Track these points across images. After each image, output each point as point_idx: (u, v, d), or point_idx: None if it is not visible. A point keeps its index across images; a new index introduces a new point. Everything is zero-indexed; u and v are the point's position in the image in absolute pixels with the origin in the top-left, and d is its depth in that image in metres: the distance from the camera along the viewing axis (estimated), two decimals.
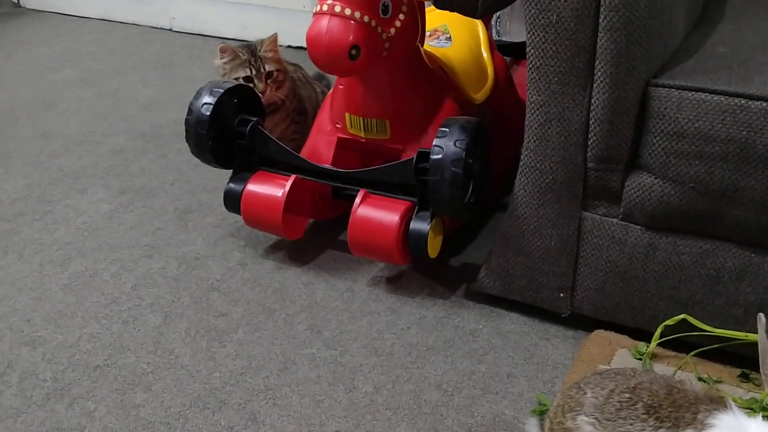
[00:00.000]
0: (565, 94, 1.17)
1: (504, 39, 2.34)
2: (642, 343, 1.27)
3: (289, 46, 2.61)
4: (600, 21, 1.09)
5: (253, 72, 1.69)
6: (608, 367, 1.19)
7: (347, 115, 1.52)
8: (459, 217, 1.55)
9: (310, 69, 1.82)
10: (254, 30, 2.52)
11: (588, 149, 1.19)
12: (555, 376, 1.28)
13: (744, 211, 1.12)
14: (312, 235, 1.66)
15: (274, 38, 1.73)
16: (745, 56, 1.18)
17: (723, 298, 1.20)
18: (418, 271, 1.55)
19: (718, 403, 0.88)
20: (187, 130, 1.53)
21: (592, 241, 1.26)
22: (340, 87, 1.52)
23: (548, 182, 1.25)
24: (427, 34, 1.65)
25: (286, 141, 1.69)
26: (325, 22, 1.31)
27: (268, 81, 1.71)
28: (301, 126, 1.81)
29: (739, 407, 0.88)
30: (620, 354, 1.26)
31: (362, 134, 1.53)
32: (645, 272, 1.24)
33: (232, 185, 1.56)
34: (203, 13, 2.85)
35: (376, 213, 1.42)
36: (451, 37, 1.69)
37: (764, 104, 1.05)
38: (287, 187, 1.50)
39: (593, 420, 0.93)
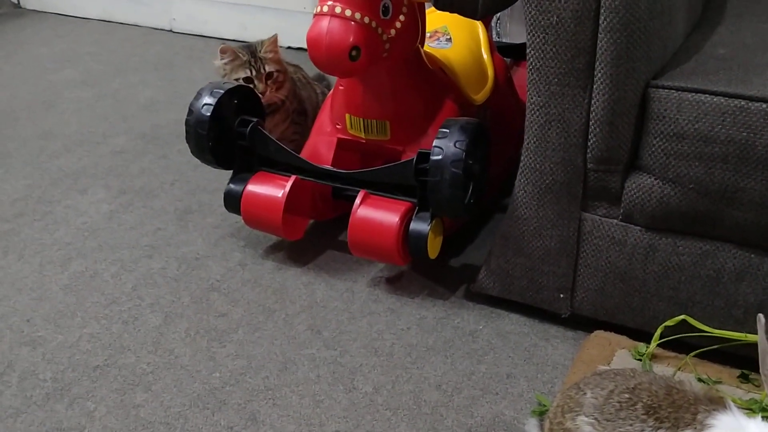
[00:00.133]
0: (565, 96, 1.17)
1: (504, 40, 2.35)
2: (642, 343, 1.27)
3: (289, 47, 2.61)
4: (600, 22, 1.09)
5: (254, 73, 1.69)
6: (608, 368, 1.19)
7: (347, 116, 1.52)
8: (459, 218, 1.55)
9: (311, 70, 1.83)
10: (254, 31, 2.52)
11: (588, 150, 1.19)
12: (555, 376, 1.28)
13: (744, 212, 1.12)
14: (312, 235, 1.66)
15: (274, 39, 1.74)
16: (744, 58, 1.19)
17: (723, 299, 1.20)
18: (417, 272, 1.55)
19: (718, 404, 0.88)
20: (187, 131, 1.53)
21: (592, 242, 1.27)
22: (341, 88, 1.52)
23: (548, 183, 1.25)
24: (428, 35, 1.65)
25: (286, 142, 1.69)
26: (325, 23, 1.31)
27: (268, 82, 1.71)
28: (301, 127, 1.81)
29: (739, 408, 0.88)
30: (620, 355, 1.26)
31: (362, 135, 1.53)
32: (645, 273, 1.24)
33: (232, 186, 1.57)
34: (203, 13, 2.85)
35: (376, 214, 1.42)
36: (452, 39, 1.69)
37: (764, 105, 1.06)
38: (287, 188, 1.50)
39: (593, 420, 0.93)
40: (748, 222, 1.13)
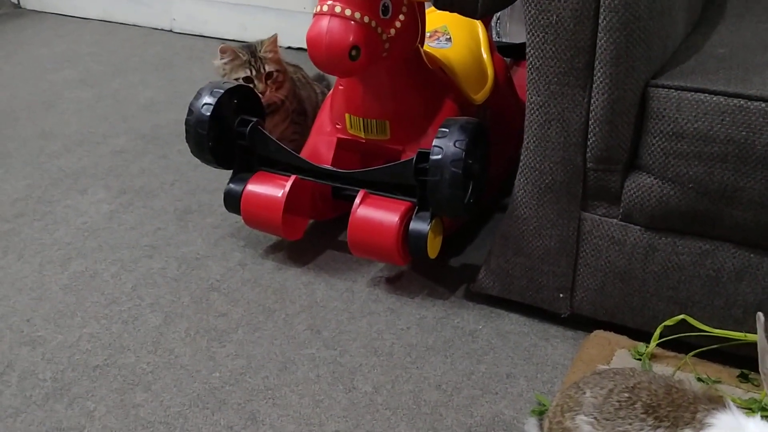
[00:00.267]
0: (564, 95, 1.17)
1: (504, 40, 2.35)
2: (641, 343, 1.27)
3: (289, 47, 2.61)
4: (599, 22, 1.09)
5: (253, 72, 1.69)
6: (607, 367, 1.19)
7: (347, 115, 1.52)
8: (459, 218, 1.55)
9: (311, 70, 1.83)
10: (254, 31, 2.52)
11: (587, 150, 1.19)
12: (554, 376, 1.28)
13: (743, 211, 1.12)
14: (312, 235, 1.66)
15: (274, 39, 1.74)
16: (744, 57, 1.19)
17: (722, 298, 1.20)
18: (417, 272, 1.55)
19: (717, 403, 0.88)
20: (187, 131, 1.53)
21: (591, 242, 1.27)
22: (340, 88, 1.53)
23: (548, 183, 1.25)
24: (427, 35, 1.65)
25: (286, 141, 1.69)
26: (325, 22, 1.31)
27: (268, 81, 1.71)
28: (300, 126, 1.81)
29: (738, 407, 0.88)
30: (619, 354, 1.26)
31: (362, 135, 1.53)
32: (644, 272, 1.24)
33: (232, 186, 1.57)
34: (203, 14, 2.85)
35: (375, 213, 1.42)
36: (451, 38, 1.69)
37: (763, 105, 1.06)
38: (287, 188, 1.50)
39: (592, 419, 0.93)
40: (747, 221, 1.13)
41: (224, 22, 2.81)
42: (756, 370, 0.88)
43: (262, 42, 1.73)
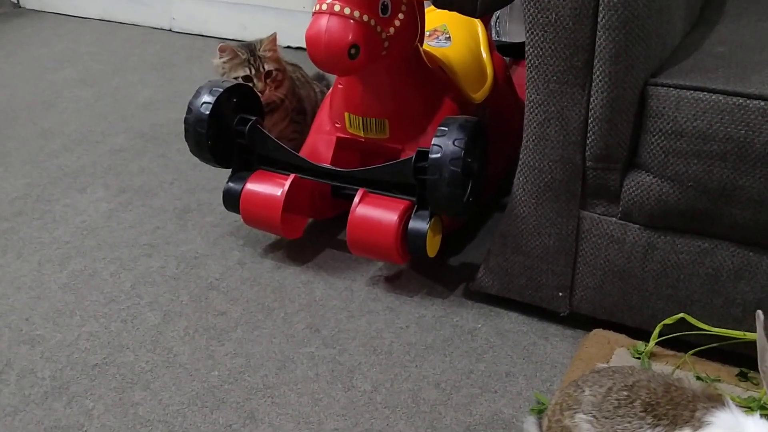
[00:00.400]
0: (563, 93, 1.17)
1: (503, 39, 2.35)
2: (640, 342, 1.27)
3: (288, 47, 2.61)
4: (599, 20, 1.09)
5: (253, 71, 1.69)
6: (606, 366, 1.19)
7: (346, 114, 1.52)
8: (458, 217, 1.55)
9: (310, 69, 1.83)
10: (254, 30, 2.52)
11: (587, 148, 1.19)
12: (553, 375, 1.28)
13: (742, 210, 1.12)
14: (311, 234, 1.66)
15: (273, 38, 1.74)
16: (743, 56, 1.19)
17: (721, 297, 1.20)
18: (416, 271, 1.55)
19: (716, 401, 0.88)
20: (186, 129, 1.53)
21: (590, 240, 1.26)
22: (340, 86, 1.52)
23: (547, 181, 1.25)
24: (427, 33, 1.65)
25: (285, 140, 1.69)
26: (324, 21, 1.31)
27: (267, 80, 1.71)
28: (300, 125, 1.81)
29: (737, 405, 0.88)
30: (619, 353, 1.26)
31: (361, 134, 1.53)
32: (643, 271, 1.24)
33: (231, 184, 1.56)
34: (203, 13, 2.85)
35: (374, 212, 1.42)
36: (451, 37, 1.69)
37: (762, 103, 1.06)
38: (286, 187, 1.50)
39: (591, 418, 0.93)
40: (746, 220, 1.13)
41: (224, 21, 2.81)
42: (755, 368, 0.88)
43: (261, 41, 1.73)
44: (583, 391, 0.96)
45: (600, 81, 1.13)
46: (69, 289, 1.52)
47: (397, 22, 1.38)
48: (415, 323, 1.41)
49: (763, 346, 0.86)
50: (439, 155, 1.32)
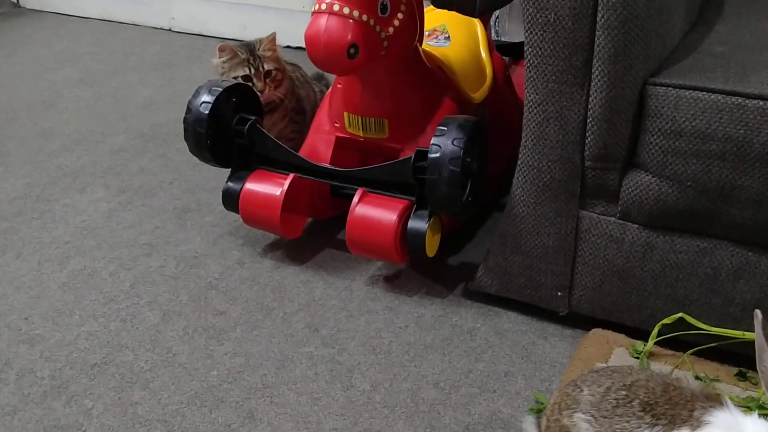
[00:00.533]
0: (562, 93, 1.17)
1: (503, 39, 2.35)
2: (639, 341, 1.27)
3: (288, 47, 2.61)
4: (598, 19, 1.09)
5: (252, 71, 1.69)
6: (605, 365, 1.19)
7: (346, 114, 1.52)
8: (457, 217, 1.55)
9: (309, 69, 1.83)
10: (254, 30, 2.52)
11: (585, 148, 1.19)
12: (552, 374, 1.28)
13: (741, 209, 1.12)
14: (310, 233, 1.66)
15: (272, 37, 1.74)
16: (742, 55, 1.19)
17: (720, 296, 1.20)
18: (416, 270, 1.55)
19: (714, 401, 0.88)
20: (185, 129, 1.53)
21: (589, 240, 1.26)
22: (339, 86, 1.53)
23: (546, 181, 1.25)
24: (426, 33, 1.65)
25: (285, 140, 1.69)
26: (323, 20, 1.31)
27: (267, 80, 1.71)
28: (299, 125, 1.81)
29: (736, 405, 0.88)
30: (618, 353, 1.26)
31: (361, 133, 1.53)
32: (642, 271, 1.24)
33: (230, 184, 1.56)
34: (203, 13, 2.85)
35: (374, 212, 1.42)
36: (450, 37, 1.69)
37: (761, 103, 1.06)
38: (285, 186, 1.50)
39: (590, 417, 0.93)
40: (745, 219, 1.13)
41: (223, 21, 2.81)
42: (754, 368, 0.88)
43: (260, 40, 1.73)
44: (582, 390, 0.96)
45: (599, 81, 1.13)
46: (68, 289, 1.52)
47: (396, 22, 1.38)
48: (414, 323, 1.41)
49: (761, 346, 0.86)
50: (438, 155, 1.32)
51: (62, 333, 1.41)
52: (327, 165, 1.53)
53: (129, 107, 2.31)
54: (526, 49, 1.17)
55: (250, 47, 1.72)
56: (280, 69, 1.74)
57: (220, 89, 1.51)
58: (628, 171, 1.19)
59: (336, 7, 1.31)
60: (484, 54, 1.71)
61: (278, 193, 1.50)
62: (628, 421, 0.90)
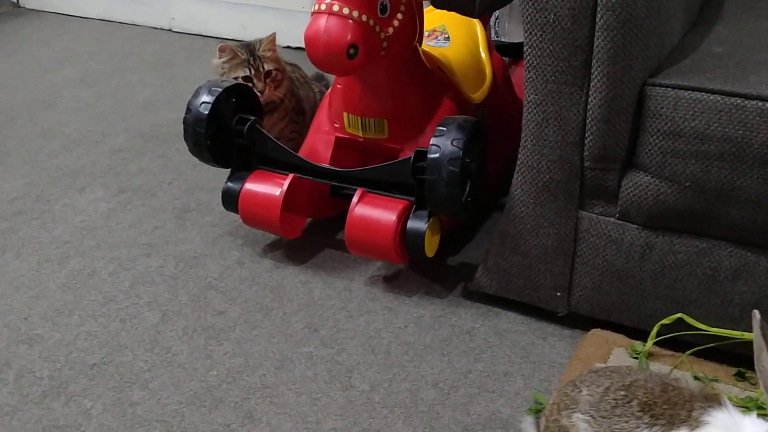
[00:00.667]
0: (562, 94, 1.17)
1: (502, 39, 2.35)
2: (638, 342, 1.27)
3: (288, 47, 2.61)
4: (597, 20, 1.09)
5: (252, 71, 1.69)
6: (604, 366, 1.19)
7: (345, 114, 1.52)
8: (456, 217, 1.55)
9: (309, 69, 1.83)
10: (254, 30, 2.51)
11: (585, 148, 1.19)
12: (552, 374, 1.28)
13: (740, 210, 1.12)
14: (310, 234, 1.66)
15: (272, 38, 1.74)
16: (741, 56, 1.19)
17: (719, 297, 1.20)
18: (415, 270, 1.55)
19: (713, 401, 0.88)
20: (185, 129, 1.53)
21: (588, 240, 1.27)
22: (339, 86, 1.53)
23: (545, 181, 1.25)
24: (426, 34, 1.65)
25: (284, 140, 1.69)
26: (323, 21, 1.31)
27: (267, 80, 1.71)
28: (299, 125, 1.81)
29: (734, 405, 0.88)
30: (617, 353, 1.26)
31: (360, 133, 1.53)
32: (641, 271, 1.24)
33: (230, 184, 1.57)
34: (203, 13, 2.85)
35: (373, 212, 1.42)
36: (450, 37, 1.69)
37: (760, 103, 1.06)
38: (285, 186, 1.50)
39: (588, 417, 0.93)
40: (744, 220, 1.13)
41: (223, 21, 2.81)
42: (753, 368, 0.88)
43: (260, 41, 1.73)
44: (581, 390, 0.96)
45: (598, 81, 1.13)
46: (68, 289, 1.52)
47: (395, 22, 1.38)
48: (413, 323, 1.41)
49: (759, 346, 0.86)
50: (437, 155, 1.32)
51: (61, 333, 1.41)
52: (326, 165, 1.53)
53: (129, 107, 2.31)
54: (525, 49, 1.17)
55: (250, 48, 1.72)
56: (280, 69, 1.74)
57: (220, 89, 1.51)
58: (627, 171, 1.19)
59: (336, 8, 1.31)
60: (483, 54, 1.71)
61: (278, 193, 1.50)
62: (626, 422, 0.90)
